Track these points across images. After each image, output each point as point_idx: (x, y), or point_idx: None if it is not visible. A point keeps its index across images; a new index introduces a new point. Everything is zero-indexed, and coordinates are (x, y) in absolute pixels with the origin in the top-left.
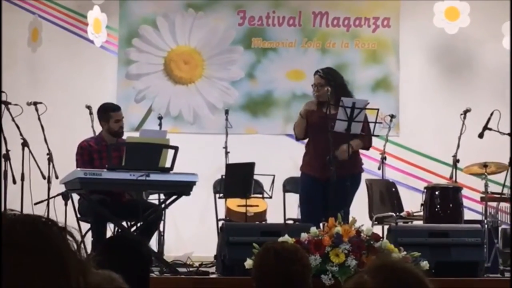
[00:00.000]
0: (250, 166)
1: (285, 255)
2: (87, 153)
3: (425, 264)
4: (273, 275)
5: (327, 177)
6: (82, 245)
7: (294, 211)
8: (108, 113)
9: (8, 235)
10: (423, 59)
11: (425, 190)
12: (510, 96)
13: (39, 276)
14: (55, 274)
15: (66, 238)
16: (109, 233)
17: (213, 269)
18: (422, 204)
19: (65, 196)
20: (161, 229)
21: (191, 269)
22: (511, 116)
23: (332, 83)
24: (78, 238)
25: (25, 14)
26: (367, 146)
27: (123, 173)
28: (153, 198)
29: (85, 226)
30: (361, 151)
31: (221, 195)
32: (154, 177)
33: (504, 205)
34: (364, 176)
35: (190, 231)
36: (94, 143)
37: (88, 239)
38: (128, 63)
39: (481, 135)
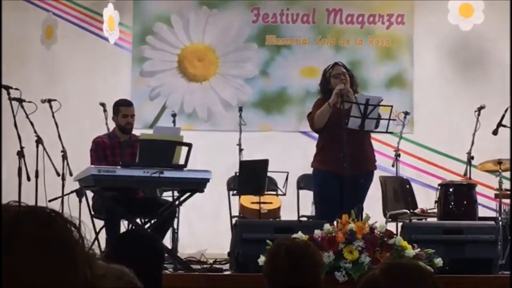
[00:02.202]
0: (264, 163)
1: (297, 251)
2: (101, 149)
3: (439, 261)
4: (284, 271)
5: (343, 174)
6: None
7: (307, 208)
8: (118, 107)
9: (14, 226)
10: (437, 56)
11: (439, 187)
12: None
13: (47, 267)
14: (62, 265)
15: (71, 230)
16: (123, 230)
17: (226, 266)
18: (436, 201)
19: (79, 193)
20: (175, 226)
21: (204, 266)
22: None
23: (349, 75)
24: (83, 229)
25: (39, 12)
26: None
27: (137, 170)
28: (167, 195)
29: (99, 223)
30: (375, 147)
31: (235, 192)
32: (167, 174)
33: (510, 201)
34: (378, 173)
35: (204, 228)
36: (107, 139)
37: (102, 236)
38: (142, 60)
39: (495, 132)
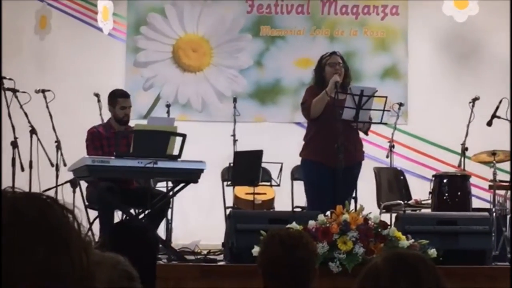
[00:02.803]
0: (258, 154)
1: (290, 241)
2: (97, 139)
3: (433, 252)
4: (278, 261)
5: (336, 165)
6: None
7: (302, 199)
8: (116, 98)
9: (8, 212)
10: (432, 47)
11: (433, 178)
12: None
13: (41, 252)
14: (56, 250)
15: (67, 216)
16: (117, 221)
17: (221, 257)
18: (430, 192)
19: (73, 184)
20: (169, 217)
21: (198, 256)
22: None
23: (345, 67)
24: (79, 216)
25: (32, 2)
26: (367, 131)
27: (131, 161)
28: (161, 186)
29: (93, 213)
30: (368, 138)
31: (229, 183)
32: (162, 164)
33: (511, 193)
34: (372, 164)
35: (198, 219)
36: (103, 130)
37: (96, 226)
38: (136, 50)
39: (489, 123)
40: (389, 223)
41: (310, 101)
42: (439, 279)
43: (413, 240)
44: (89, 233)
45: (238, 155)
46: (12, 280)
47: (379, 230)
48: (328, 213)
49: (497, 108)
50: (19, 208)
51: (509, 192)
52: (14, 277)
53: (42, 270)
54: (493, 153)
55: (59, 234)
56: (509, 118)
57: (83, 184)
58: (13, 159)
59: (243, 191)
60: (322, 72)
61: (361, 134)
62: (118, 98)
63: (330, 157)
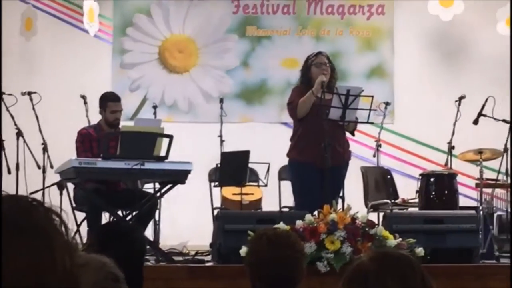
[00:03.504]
0: (245, 154)
1: (278, 241)
2: (88, 141)
3: (420, 250)
4: (266, 261)
5: (323, 164)
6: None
7: (289, 199)
8: (106, 102)
9: None
10: (418, 46)
11: (420, 177)
12: (510, 84)
13: (23, 254)
14: (39, 252)
15: (52, 218)
16: (104, 223)
17: (209, 258)
18: (417, 191)
19: (60, 186)
20: (157, 218)
21: (186, 257)
22: (511, 104)
23: (331, 67)
24: (66, 219)
25: (17, 4)
26: (354, 131)
27: (118, 162)
28: (148, 187)
29: (81, 215)
30: (355, 138)
31: (216, 183)
32: (149, 165)
33: (499, 192)
34: (359, 164)
35: (185, 220)
36: (94, 132)
37: (84, 228)
38: (122, 52)
39: (475, 122)
40: (376, 222)
41: (297, 101)
42: (425, 278)
43: (400, 239)
44: (77, 235)
45: (225, 155)
46: None
47: (367, 229)
48: (315, 212)
49: (483, 106)
50: (1, 209)
51: (496, 190)
52: None
53: (24, 271)
54: (480, 152)
55: (42, 237)
56: (495, 117)
57: (70, 186)
58: (0, 163)
59: (230, 192)
60: (308, 72)
61: (348, 134)
62: (109, 102)
63: (317, 157)
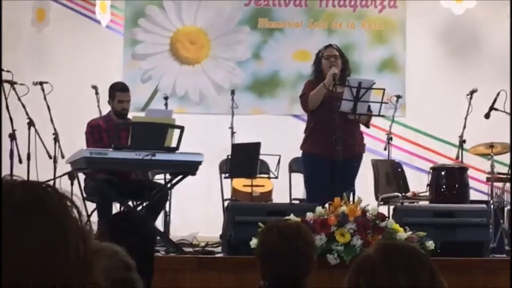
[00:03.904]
0: (256, 146)
1: (288, 233)
2: (97, 132)
3: (430, 243)
4: (276, 252)
5: (334, 158)
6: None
7: (300, 191)
8: (114, 92)
9: (6, 199)
10: (430, 39)
11: (431, 171)
12: None
13: (37, 239)
14: (53, 238)
15: (66, 204)
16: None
17: (219, 249)
18: (428, 185)
19: (71, 176)
20: (167, 209)
21: (196, 248)
22: None
23: (343, 59)
24: (80, 205)
25: None
26: (369, 123)
27: (129, 153)
28: (159, 178)
29: (91, 206)
30: (366, 130)
31: (227, 175)
32: (159, 156)
33: (510, 186)
34: (370, 157)
35: (196, 211)
36: (103, 122)
37: (94, 218)
38: (134, 43)
39: (487, 116)
40: (387, 215)
41: (308, 93)
42: (434, 270)
43: (410, 232)
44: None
45: (236, 147)
46: (5, 266)
47: (377, 222)
48: (326, 205)
49: (495, 100)
50: (16, 194)
51: (507, 184)
52: (7, 264)
53: (37, 256)
54: (491, 146)
55: (55, 222)
56: (507, 111)
57: (81, 177)
58: (11, 151)
59: (241, 183)
60: (319, 65)
61: (362, 127)
62: (117, 92)
63: (329, 150)
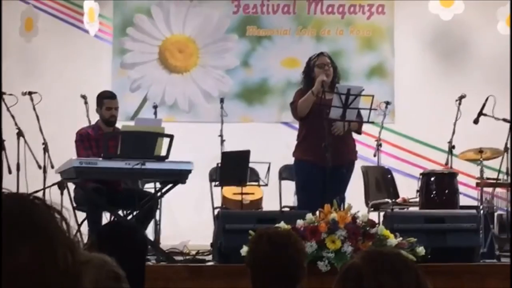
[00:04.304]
0: (245, 154)
1: (279, 240)
2: (86, 140)
3: (421, 249)
4: (267, 260)
5: (325, 164)
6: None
7: (290, 199)
8: (102, 99)
9: None
10: (418, 45)
11: (420, 177)
12: (511, 83)
13: (25, 251)
14: (41, 249)
15: (54, 216)
16: (105, 222)
17: (209, 257)
18: (418, 191)
19: (61, 186)
20: (157, 218)
21: (187, 257)
22: (511, 104)
23: (333, 66)
24: (67, 216)
25: (17, 4)
26: (360, 130)
27: (119, 162)
28: (149, 187)
29: (81, 215)
30: (356, 137)
31: (217, 183)
32: (149, 165)
33: (500, 191)
34: (360, 163)
35: (186, 219)
36: (92, 131)
37: (84, 228)
38: (123, 52)
39: (476, 121)
40: (377, 221)
41: (298, 101)
42: (420, 276)
43: (401, 238)
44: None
45: (225, 155)
46: None
47: (367, 228)
48: (317, 212)
49: (484, 105)
50: (4, 206)
51: (496, 189)
52: None
53: (25, 268)
54: (480, 151)
55: (44, 234)
56: (495, 116)
57: (71, 186)
58: (0, 162)
59: (231, 191)
60: (311, 73)
61: (355, 134)
62: (104, 99)
63: (321, 157)
